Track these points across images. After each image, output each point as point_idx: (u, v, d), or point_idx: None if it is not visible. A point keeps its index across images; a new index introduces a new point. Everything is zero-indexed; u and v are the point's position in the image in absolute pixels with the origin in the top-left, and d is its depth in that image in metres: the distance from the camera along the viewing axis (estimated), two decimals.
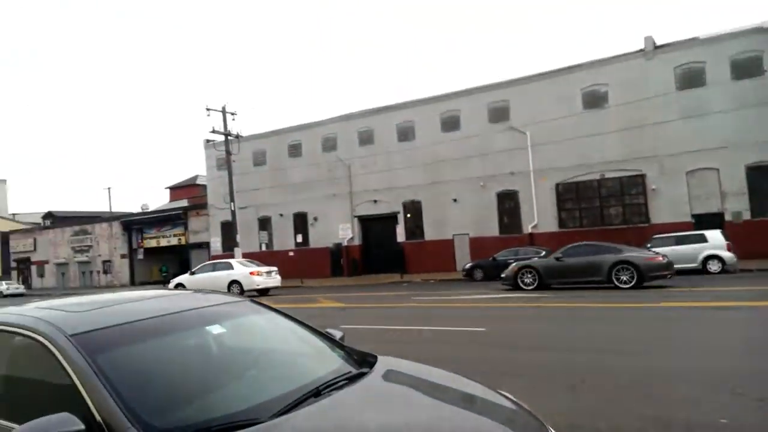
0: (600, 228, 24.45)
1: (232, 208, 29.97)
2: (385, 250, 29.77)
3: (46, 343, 2.43)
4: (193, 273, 22.96)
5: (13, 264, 50.39)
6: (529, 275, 16.12)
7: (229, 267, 21.95)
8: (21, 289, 40.36)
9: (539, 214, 25.74)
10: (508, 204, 26.67)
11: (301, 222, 32.91)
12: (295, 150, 33.38)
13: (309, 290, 22.86)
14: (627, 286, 14.49)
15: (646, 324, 9.04)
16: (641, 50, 24.01)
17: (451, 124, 28.13)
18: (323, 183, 31.71)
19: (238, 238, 29.97)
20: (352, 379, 2.66)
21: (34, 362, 2.51)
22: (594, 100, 24.85)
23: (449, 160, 27.69)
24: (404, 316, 12.10)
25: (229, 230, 31.84)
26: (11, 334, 2.64)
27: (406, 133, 29.45)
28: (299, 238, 32.75)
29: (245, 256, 30.04)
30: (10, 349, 2.66)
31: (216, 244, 35.95)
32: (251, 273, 21.43)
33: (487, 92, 27.23)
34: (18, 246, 50.01)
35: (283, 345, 3.16)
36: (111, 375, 2.25)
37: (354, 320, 11.35)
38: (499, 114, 26.87)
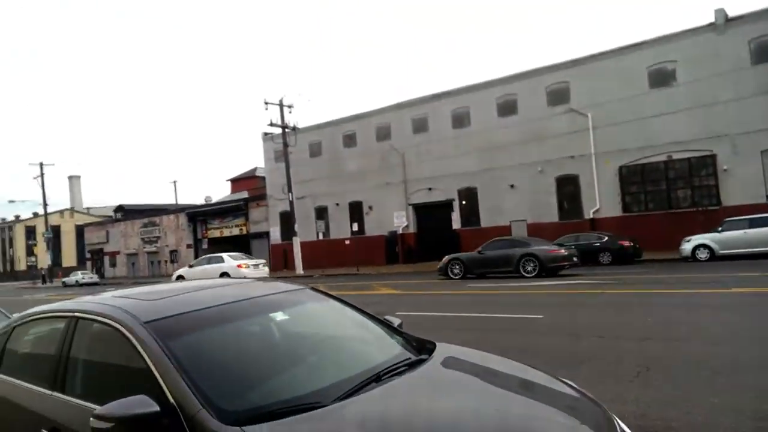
0: (667, 211, 23.30)
1: (290, 199, 30.68)
2: (441, 237, 29.60)
3: (123, 329, 2.57)
4: (191, 266, 25.66)
5: (88, 255, 53.76)
6: (456, 266, 18.52)
7: (221, 260, 24.58)
8: (95, 278, 42.96)
9: (601, 199, 24.81)
10: (568, 189, 25.86)
11: (356, 211, 33.25)
12: (349, 140, 33.66)
13: (365, 277, 23.12)
14: (531, 275, 16.61)
15: (716, 311, 8.56)
16: (712, 24, 22.50)
17: (507, 108, 27.48)
18: (378, 172, 31.84)
19: (297, 227, 30.70)
20: (411, 366, 2.67)
21: (111, 347, 2.65)
22: (661, 78, 23.56)
23: (506, 146, 27.10)
24: (460, 303, 12.02)
25: (287, 220, 32.63)
26: (91, 322, 2.82)
27: (461, 120, 29.04)
28: (355, 227, 33.11)
29: (303, 245, 30.77)
30: (90, 335, 2.83)
31: (275, 233, 36.94)
32: (238, 266, 23.71)
33: (545, 74, 26.39)
34: (92, 238, 53.27)
35: (344, 331, 3.21)
36: (182, 360, 2.35)
37: (410, 307, 11.39)
38: (558, 96, 25.99)
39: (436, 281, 18.42)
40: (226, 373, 2.48)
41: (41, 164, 47.25)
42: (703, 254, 17.81)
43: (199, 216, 43.52)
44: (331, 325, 3.25)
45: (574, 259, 17.28)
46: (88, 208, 75.17)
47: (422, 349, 2.99)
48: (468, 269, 18.31)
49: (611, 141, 24.25)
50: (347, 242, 32.21)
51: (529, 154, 26.38)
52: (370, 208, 32.49)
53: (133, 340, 2.48)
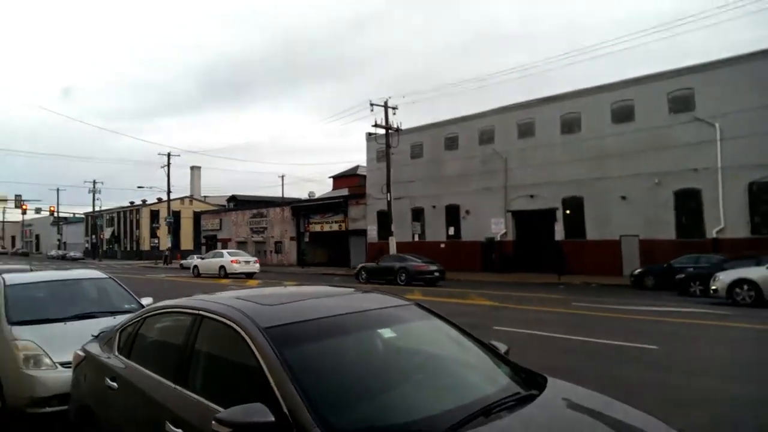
0: None
1: (389, 199, 31.07)
2: (541, 247, 28.47)
3: (243, 333, 2.70)
4: (203, 258, 32.55)
5: (203, 240, 58.08)
6: (363, 273, 24.52)
7: (221, 255, 30.73)
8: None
9: (726, 217, 22.49)
10: (689, 204, 23.72)
11: (453, 214, 32.93)
12: (451, 143, 33.40)
13: (460, 284, 22.80)
14: (403, 283, 21.82)
15: None
16: None
17: (623, 114, 25.77)
18: (477, 176, 31.29)
19: (393, 227, 31.03)
20: (521, 401, 2.56)
21: (231, 349, 2.79)
22: None
23: (619, 154, 25.43)
24: (562, 322, 11.43)
25: (384, 219, 33.09)
26: (214, 322, 2.99)
27: (570, 125, 27.70)
28: (451, 231, 32.81)
29: (399, 245, 31.03)
30: (212, 334, 3.00)
31: (372, 232, 37.59)
32: (232, 261, 29.28)
33: (666, 80, 24.40)
34: (207, 225, 57.54)
35: (450, 354, 3.15)
36: (297, 370, 2.42)
37: (507, 322, 11.04)
38: (681, 103, 23.92)
39: (536, 295, 17.74)
40: (337, 388, 2.51)
41: (168, 154, 51.75)
42: None
43: (302, 210, 45.42)
44: (437, 346, 3.19)
45: (436, 273, 22.41)
46: (205, 197, 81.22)
47: (532, 382, 2.86)
48: (370, 275, 23.99)
49: (741, 154, 21.87)
50: (442, 246, 32.03)
51: (645, 164, 24.54)
52: (468, 212, 32.02)
53: (252, 345, 2.59)
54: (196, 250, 57.80)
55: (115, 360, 3.63)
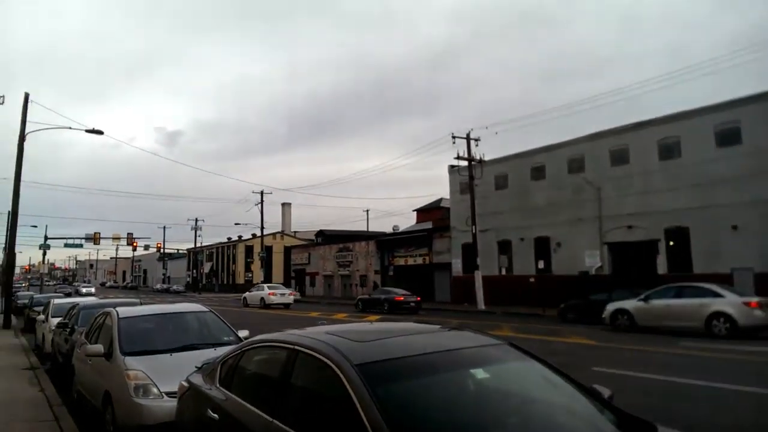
0: None
1: (474, 231, 30.62)
2: (641, 282, 26.55)
3: (335, 369, 2.74)
4: (250, 291, 37.50)
5: (292, 274, 60.16)
6: (360, 303, 30.06)
7: (262, 289, 35.79)
8: (297, 295, 47.65)
9: None
10: None
11: (542, 247, 31.71)
12: (537, 173, 32.48)
13: (552, 321, 21.76)
14: (385, 311, 26.85)
15: None
16: None
17: (729, 137, 23.84)
18: (568, 206, 30.05)
19: (479, 260, 30.43)
20: None
21: (324, 384, 2.84)
22: None
23: (726, 180, 23.44)
24: (671, 364, 10.48)
25: (469, 252, 32.57)
26: (308, 357, 3.06)
27: (670, 150, 26.02)
28: (541, 264, 31.50)
29: (485, 279, 30.37)
30: (306, 369, 3.07)
31: (457, 265, 37.07)
32: (269, 293, 34.22)
33: None
34: (296, 259, 59.62)
35: (548, 397, 2.98)
36: (389, 408, 2.41)
37: (608, 362, 10.31)
38: None
39: (638, 333, 16.48)
40: (429, 430, 2.46)
41: (261, 193, 54.72)
42: None
43: (386, 244, 45.85)
44: (533, 389, 3.04)
45: (413, 304, 27.65)
46: (295, 232, 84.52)
47: (639, 431, 2.64)
48: (365, 305, 29.08)
49: None
50: (531, 280, 30.83)
51: (758, 190, 22.37)
52: (558, 244, 30.70)
53: (345, 381, 2.61)
54: (286, 283, 59.90)
55: (217, 392, 3.79)
